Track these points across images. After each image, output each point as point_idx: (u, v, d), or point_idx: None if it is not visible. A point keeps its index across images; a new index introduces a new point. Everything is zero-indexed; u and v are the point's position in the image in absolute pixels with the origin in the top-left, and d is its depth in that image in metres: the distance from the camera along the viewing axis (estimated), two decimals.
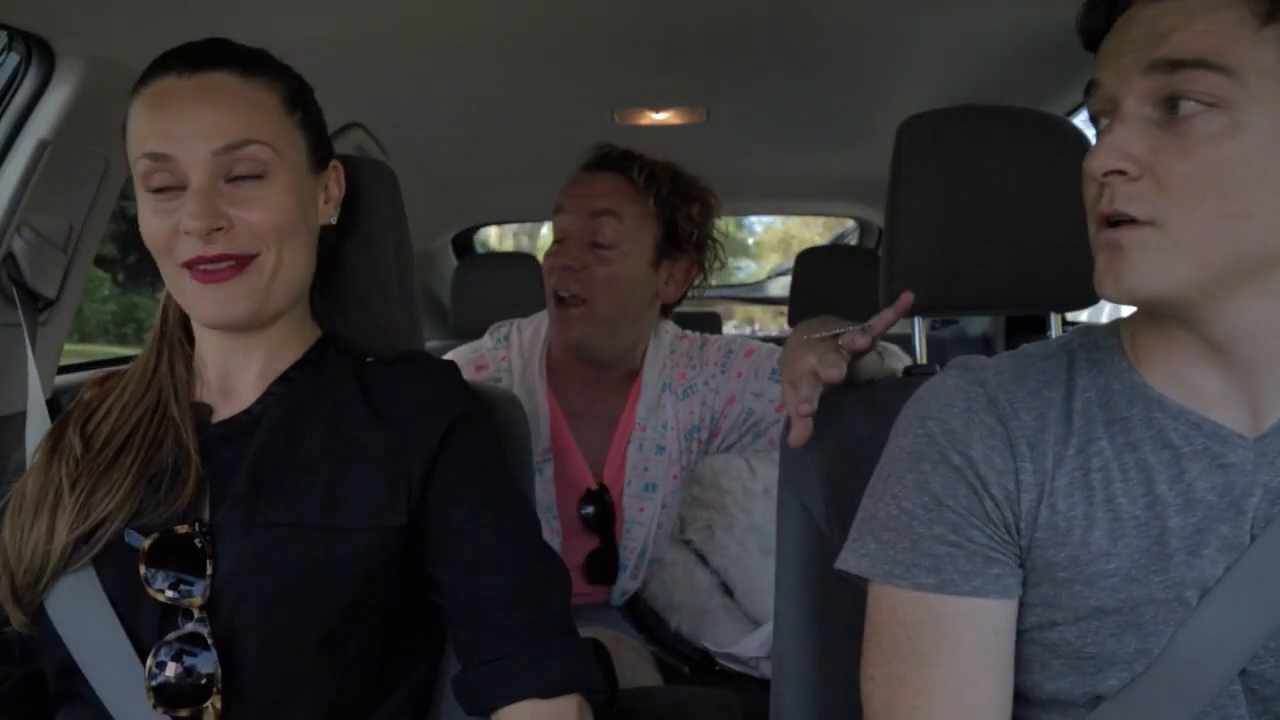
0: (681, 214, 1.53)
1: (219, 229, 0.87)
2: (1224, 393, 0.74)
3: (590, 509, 1.52)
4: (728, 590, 1.60)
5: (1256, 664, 0.72)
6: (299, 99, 0.94)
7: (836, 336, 0.98)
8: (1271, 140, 0.65)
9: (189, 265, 0.88)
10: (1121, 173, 0.69)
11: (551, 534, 1.48)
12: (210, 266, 0.88)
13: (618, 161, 1.53)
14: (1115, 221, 0.70)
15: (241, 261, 0.88)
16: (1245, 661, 0.71)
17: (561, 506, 1.52)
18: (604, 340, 1.52)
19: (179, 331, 0.98)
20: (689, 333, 1.64)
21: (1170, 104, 0.68)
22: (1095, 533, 0.74)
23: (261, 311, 0.91)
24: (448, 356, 1.57)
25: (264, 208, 0.89)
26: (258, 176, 0.89)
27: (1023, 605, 0.77)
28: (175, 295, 0.93)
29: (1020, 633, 0.77)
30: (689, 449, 1.55)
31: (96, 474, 0.89)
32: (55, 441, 0.92)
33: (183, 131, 0.87)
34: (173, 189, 0.87)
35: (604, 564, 1.54)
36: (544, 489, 1.49)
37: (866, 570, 0.80)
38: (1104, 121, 0.73)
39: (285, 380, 0.96)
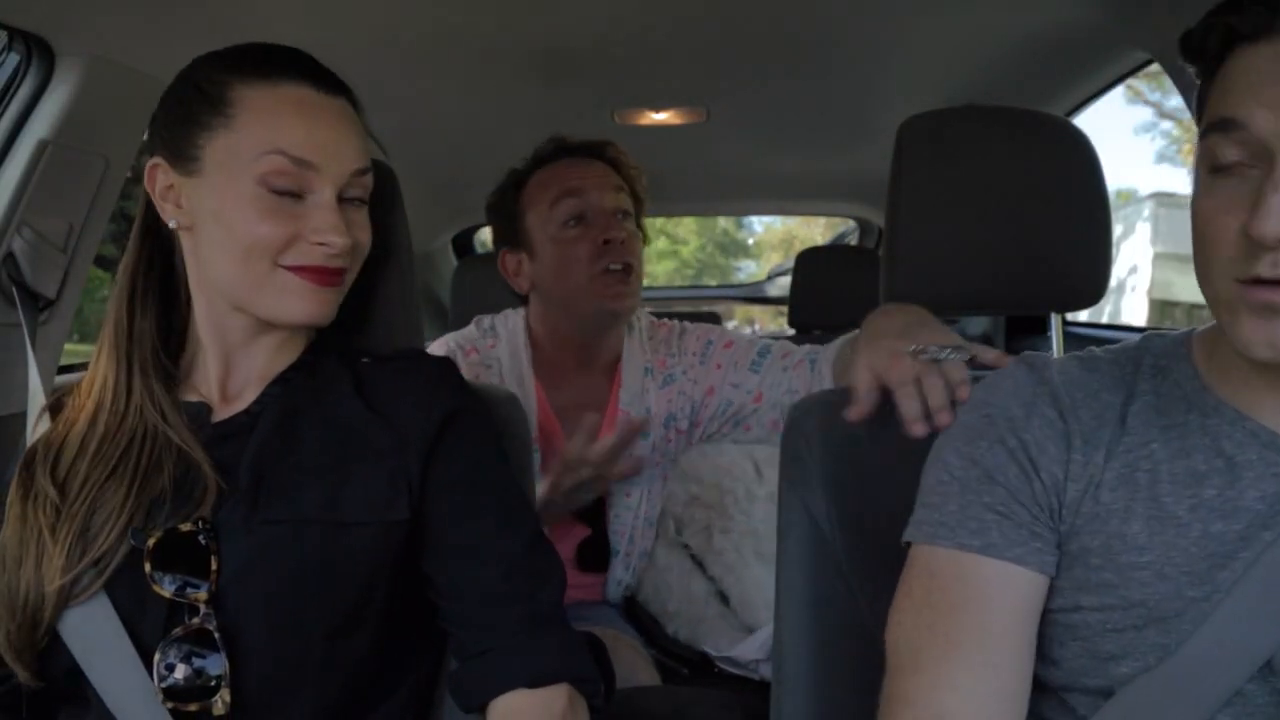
0: (640, 185, 1.60)
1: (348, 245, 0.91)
2: None
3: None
4: (724, 599, 1.60)
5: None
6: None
7: (937, 360, 0.98)
8: None
9: (294, 269, 0.90)
10: None
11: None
12: (317, 274, 0.91)
13: (598, 150, 1.58)
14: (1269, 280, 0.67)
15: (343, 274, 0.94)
16: (1264, 659, 0.71)
17: None
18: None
19: (154, 342, 0.95)
20: (665, 320, 1.66)
21: None
22: (1133, 525, 0.75)
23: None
24: (433, 347, 1.58)
25: (364, 231, 0.95)
26: (362, 202, 0.95)
27: (1053, 586, 0.79)
28: (254, 294, 0.91)
29: (1047, 612, 0.79)
30: (667, 437, 1.57)
31: (81, 517, 0.87)
32: (26, 488, 0.90)
33: (330, 146, 0.90)
34: (291, 195, 0.89)
35: (596, 551, 1.57)
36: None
37: (910, 534, 0.83)
38: (1251, 171, 0.68)
39: (282, 381, 0.96)
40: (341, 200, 0.91)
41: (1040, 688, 0.82)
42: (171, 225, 0.93)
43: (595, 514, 1.55)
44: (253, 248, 0.89)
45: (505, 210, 1.58)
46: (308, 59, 0.93)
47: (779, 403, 1.51)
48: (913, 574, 0.82)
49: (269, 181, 0.88)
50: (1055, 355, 1.14)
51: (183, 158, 0.91)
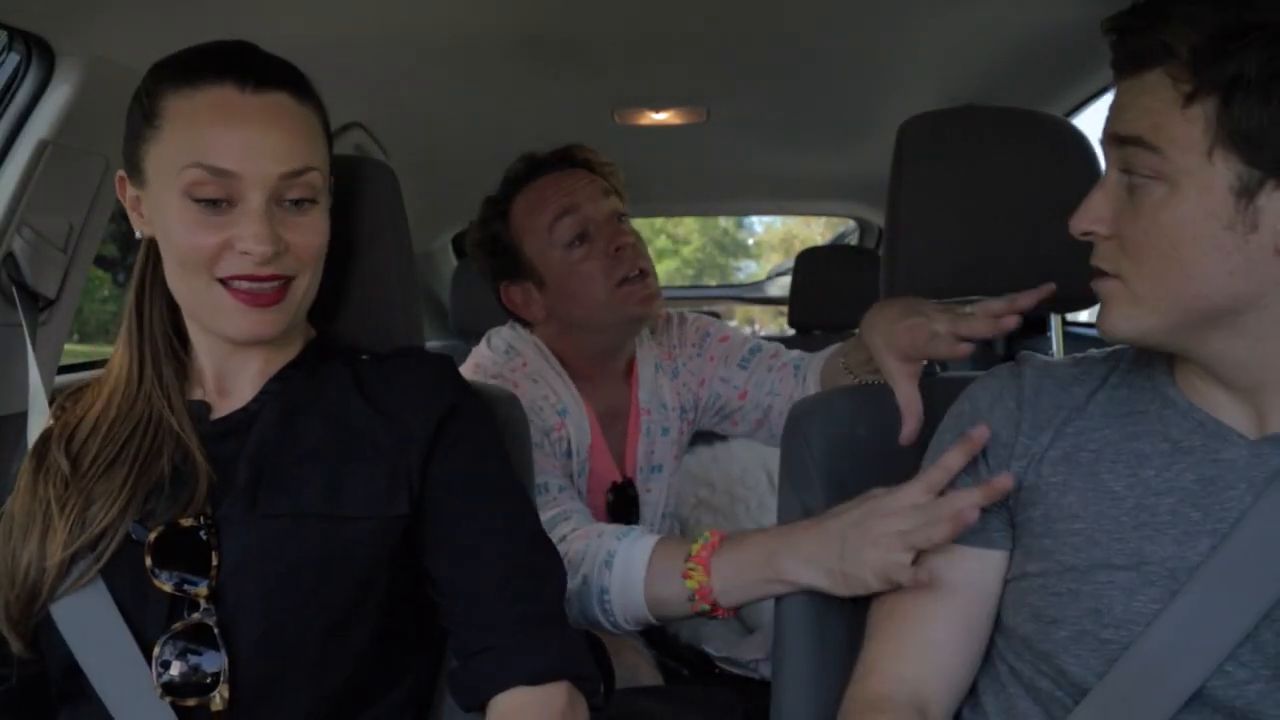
0: (618, 181, 1.55)
1: (277, 252, 0.88)
2: (1230, 401, 0.80)
3: (621, 499, 1.53)
4: None
5: (1225, 676, 0.75)
6: (327, 124, 0.96)
7: (958, 306, 0.99)
8: (1202, 208, 0.71)
9: (229, 280, 0.88)
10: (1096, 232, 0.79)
11: None
12: (256, 286, 0.88)
13: (569, 156, 1.53)
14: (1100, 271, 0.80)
15: (285, 283, 0.90)
16: (1226, 651, 0.74)
17: (591, 500, 1.52)
18: None
19: (165, 334, 0.96)
20: (664, 311, 1.64)
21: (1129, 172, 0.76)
22: (1069, 497, 0.84)
23: (287, 329, 0.93)
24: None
25: (311, 233, 0.91)
26: (310, 202, 0.90)
27: (1010, 559, 0.89)
28: (198, 309, 0.91)
29: (1006, 581, 0.89)
30: (680, 428, 1.58)
31: (86, 493, 0.88)
32: (39, 461, 0.91)
33: (252, 151, 0.86)
34: (221, 203, 0.87)
35: None
36: (581, 485, 1.49)
37: None
38: None
39: (281, 378, 0.96)
40: (281, 203, 0.89)
41: (1009, 666, 0.88)
42: (138, 236, 0.94)
43: (628, 514, 1.55)
44: (186, 260, 0.88)
45: (497, 245, 1.52)
46: (239, 55, 0.90)
47: (761, 403, 1.52)
48: None
49: (192, 193, 0.86)
50: (1056, 355, 1.15)
51: (132, 169, 0.92)
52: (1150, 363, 0.86)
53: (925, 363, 1.09)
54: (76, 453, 0.91)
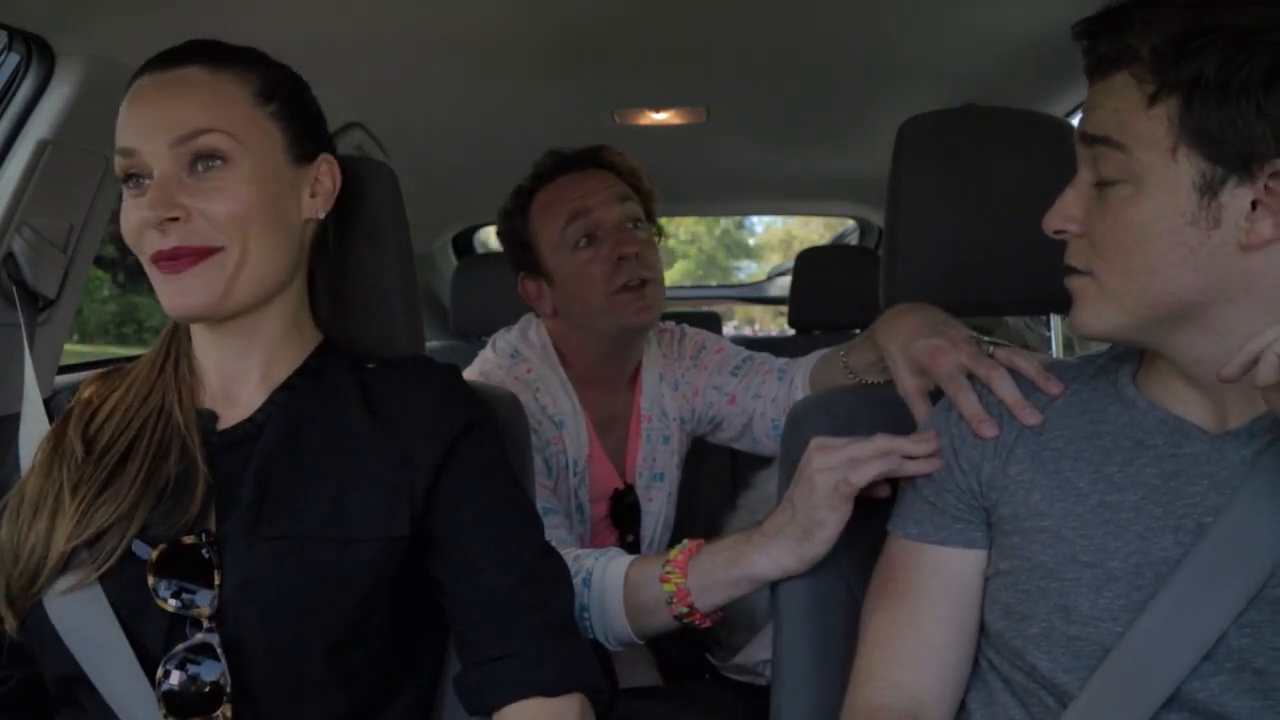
0: (643, 182, 1.56)
1: (174, 219, 0.86)
2: (1194, 397, 0.81)
3: (621, 506, 1.55)
4: None
5: (1200, 680, 0.75)
6: (276, 91, 0.93)
7: (979, 342, 0.98)
8: (1167, 205, 0.74)
9: (154, 259, 0.88)
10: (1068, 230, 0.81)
11: (578, 536, 1.48)
12: (168, 261, 0.88)
13: (594, 156, 1.54)
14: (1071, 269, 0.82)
15: (200, 254, 0.87)
16: (1204, 649, 0.75)
17: (592, 507, 1.54)
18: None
19: (189, 335, 0.97)
20: (667, 324, 1.66)
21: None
22: (1035, 495, 0.85)
23: (222, 305, 0.90)
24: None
25: (223, 198, 0.88)
26: (219, 165, 0.88)
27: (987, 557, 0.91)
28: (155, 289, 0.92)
29: (985, 579, 0.90)
30: (680, 439, 1.60)
31: (100, 480, 0.88)
32: (56, 442, 0.91)
33: (147, 125, 0.88)
34: (143, 183, 0.89)
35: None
36: (582, 495, 1.50)
37: (888, 524, 0.96)
38: None
39: (287, 388, 0.96)
40: (192, 172, 0.88)
41: (988, 660, 0.89)
42: None
43: (630, 520, 1.56)
44: (130, 245, 0.90)
45: (516, 238, 1.55)
46: (168, 49, 0.92)
47: (747, 407, 1.54)
48: (883, 559, 0.95)
49: (121, 178, 0.90)
50: (1055, 355, 1.15)
51: None
52: (1116, 369, 0.88)
53: None
54: (93, 436, 0.92)
